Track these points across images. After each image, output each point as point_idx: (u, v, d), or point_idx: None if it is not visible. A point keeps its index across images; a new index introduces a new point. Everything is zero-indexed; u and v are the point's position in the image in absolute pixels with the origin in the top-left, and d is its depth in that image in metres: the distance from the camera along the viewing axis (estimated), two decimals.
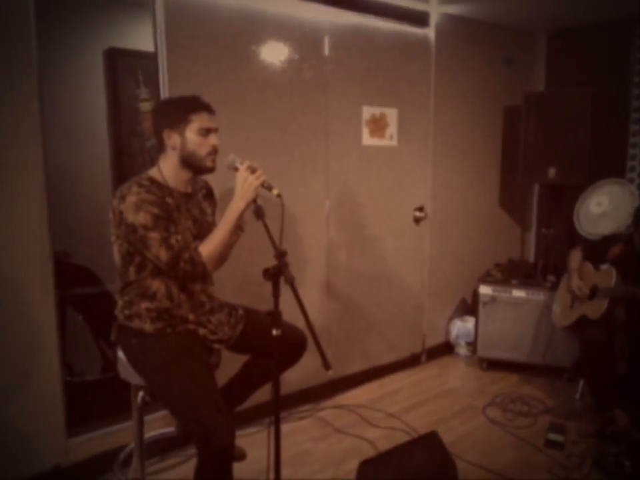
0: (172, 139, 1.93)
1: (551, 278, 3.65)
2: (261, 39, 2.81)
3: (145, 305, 1.94)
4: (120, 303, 2.00)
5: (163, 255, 1.82)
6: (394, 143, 3.48)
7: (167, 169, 1.96)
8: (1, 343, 2.21)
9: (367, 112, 3.31)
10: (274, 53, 2.87)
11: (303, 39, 2.97)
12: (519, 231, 4.43)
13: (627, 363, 2.76)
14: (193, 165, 1.96)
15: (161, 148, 1.98)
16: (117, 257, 1.95)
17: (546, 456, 2.68)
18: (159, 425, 2.61)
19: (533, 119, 3.73)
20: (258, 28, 2.80)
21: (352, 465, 2.36)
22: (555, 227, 3.93)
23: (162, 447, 2.62)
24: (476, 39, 3.83)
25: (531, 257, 4.43)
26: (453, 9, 3.56)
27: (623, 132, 3.73)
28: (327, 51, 3.08)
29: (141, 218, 1.81)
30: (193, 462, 1.86)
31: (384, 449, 2.47)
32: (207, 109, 1.96)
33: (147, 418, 2.32)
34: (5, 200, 2.18)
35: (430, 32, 3.56)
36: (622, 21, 3.69)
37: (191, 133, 1.92)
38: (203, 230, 2.01)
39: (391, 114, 3.43)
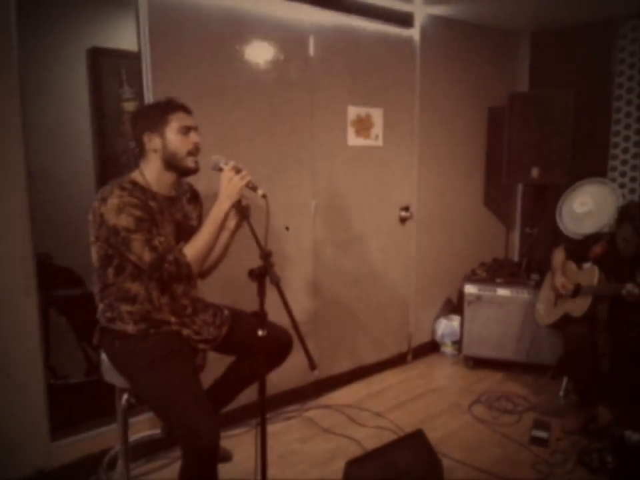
0: (153, 142, 1.92)
1: (534, 276, 3.69)
2: (245, 38, 2.80)
3: (125, 308, 1.92)
4: (100, 306, 1.98)
5: (147, 256, 1.81)
6: (379, 143, 3.49)
7: (150, 173, 1.95)
8: None
9: (353, 112, 3.32)
10: (259, 53, 2.86)
11: (288, 39, 2.96)
12: (504, 230, 4.46)
13: (610, 360, 2.80)
14: (175, 165, 1.94)
15: (141, 153, 1.96)
16: (94, 258, 1.93)
17: (531, 452, 2.71)
18: (144, 427, 2.59)
19: (516, 119, 3.76)
20: (243, 28, 2.79)
21: (339, 465, 2.36)
22: (539, 226, 3.97)
23: (147, 450, 2.60)
24: (460, 39, 3.86)
25: (515, 255, 4.47)
26: (438, 10, 3.58)
27: (604, 132, 3.78)
28: (312, 51, 3.08)
29: (123, 220, 1.79)
30: (179, 464, 1.85)
31: (371, 448, 2.48)
32: (184, 108, 1.96)
33: (132, 420, 2.30)
34: None
35: (415, 32, 3.57)
36: (604, 23, 3.74)
37: (171, 133, 1.91)
38: (185, 234, 1.99)
39: (377, 114, 3.44)
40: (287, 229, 1.87)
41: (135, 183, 1.90)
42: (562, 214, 3.67)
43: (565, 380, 3.28)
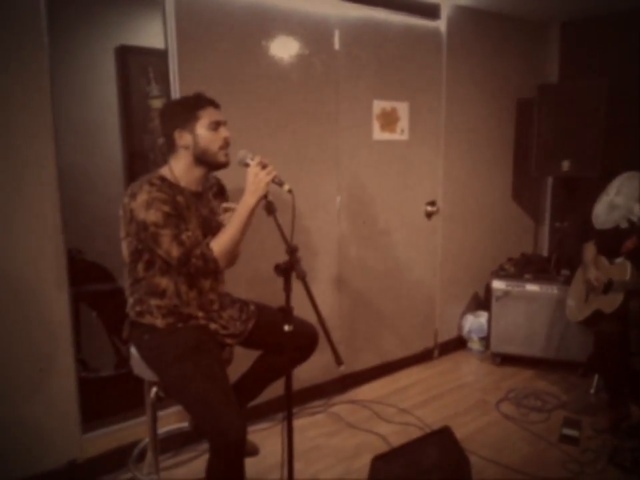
0: (184, 139, 1.94)
1: (564, 272, 3.62)
2: (270, 34, 2.80)
3: (154, 302, 1.95)
4: (130, 300, 2.01)
5: (174, 251, 1.83)
6: (405, 137, 3.45)
7: (179, 168, 1.97)
8: (16, 339, 2.24)
9: (378, 106, 3.29)
10: (284, 48, 2.86)
11: (313, 34, 2.95)
12: (532, 225, 4.38)
13: None
14: (207, 161, 1.96)
15: (171, 149, 1.98)
16: (125, 253, 1.96)
17: (561, 451, 2.66)
18: (173, 420, 2.63)
19: (546, 111, 3.68)
20: (268, 23, 2.79)
21: (364, 460, 2.36)
22: (569, 220, 3.89)
23: (176, 442, 2.64)
24: (488, 30, 3.79)
25: (544, 251, 4.39)
26: (464, 1, 3.51)
27: (638, 123, 3.67)
28: (337, 45, 3.06)
29: (152, 215, 1.82)
30: (207, 457, 1.87)
31: (397, 445, 2.47)
32: (212, 103, 1.97)
33: (161, 413, 2.33)
34: (19, 198, 2.20)
35: (441, 24, 3.52)
36: (635, 11, 3.62)
37: (202, 129, 1.93)
38: (212, 229, 2.01)
39: (402, 108, 3.40)
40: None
41: (163, 179, 1.92)
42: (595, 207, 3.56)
43: (595, 377, 3.22)
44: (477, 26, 3.72)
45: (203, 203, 2.04)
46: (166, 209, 1.83)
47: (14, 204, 2.19)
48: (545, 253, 4.33)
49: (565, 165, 3.63)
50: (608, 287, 2.91)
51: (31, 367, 2.29)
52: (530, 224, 4.37)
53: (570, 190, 3.97)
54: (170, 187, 1.91)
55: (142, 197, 1.82)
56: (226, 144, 1.96)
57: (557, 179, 4.20)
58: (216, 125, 1.94)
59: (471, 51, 3.71)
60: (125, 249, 1.96)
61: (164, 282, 1.94)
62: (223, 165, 1.99)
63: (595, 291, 2.99)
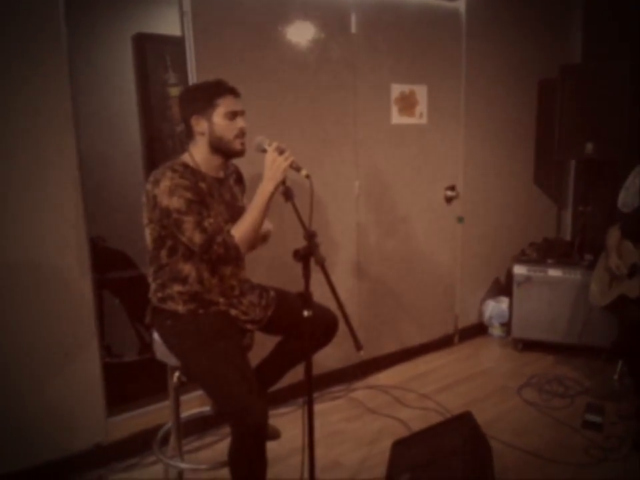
0: (200, 125, 1.94)
1: (588, 257, 3.56)
2: (287, 19, 2.78)
3: (177, 288, 1.97)
4: (153, 286, 2.03)
5: (197, 238, 1.84)
6: (424, 121, 3.41)
7: (198, 155, 1.97)
8: (42, 326, 2.29)
9: (396, 90, 3.25)
10: (300, 33, 2.83)
11: (329, 17, 2.92)
12: (555, 209, 4.31)
13: None
14: (221, 149, 1.96)
15: (189, 134, 1.98)
16: (148, 240, 1.98)
17: (583, 437, 2.64)
18: (196, 404, 2.66)
19: (569, 92, 3.60)
20: (284, 8, 2.76)
21: (385, 445, 2.37)
22: (593, 204, 3.81)
23: (198, 426, 2.68)
24: (508, 10, 3.70)
25: (567, 235, 4.32)
26: None
27: None
28: (353, 29, 3.02)
29: (175, 202, 1.82)
30: (229, 440, 1.89)
31: (417, 429, 2.47)
32: (232, 92, 1.95)
33: (184, 398, 2.36)
34: (41, 187, 2.23)
35: (460, 4, 3.45)
36: None
37: (218, 118, 1.92)
38: (235, 215, 2.01)
39: (421, 91, 3.36)
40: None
41: (185, 165, 1.93)
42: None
43: (619, 363, 3.17)
44: (497, 6, 3.63)
45: (225, 189, 2.05)
46: (188, 195, 1.84)
47: (36, 192, 2.22)
48: (568, 238, 4.26)
49: (589, 147, 3.55)
50: (633, 271, 2.85)
51: (56, 352, 2.34)
52: (552, 208, 4.30)
53: (593, 173, 3.89)
54: (192, 173, 1.92)
55: (165, 184, 1.83)
56: (241, 133, 1.95)
57: (580, 162, 4.11)
58: (233, 115, 1.93)
59: (491, 31, 3.64)
60: (148, 236, 1.97)
61: (187, 268, 1.96)
62: (239, 154, 1.99)
63: (619, 277, 2.94)
